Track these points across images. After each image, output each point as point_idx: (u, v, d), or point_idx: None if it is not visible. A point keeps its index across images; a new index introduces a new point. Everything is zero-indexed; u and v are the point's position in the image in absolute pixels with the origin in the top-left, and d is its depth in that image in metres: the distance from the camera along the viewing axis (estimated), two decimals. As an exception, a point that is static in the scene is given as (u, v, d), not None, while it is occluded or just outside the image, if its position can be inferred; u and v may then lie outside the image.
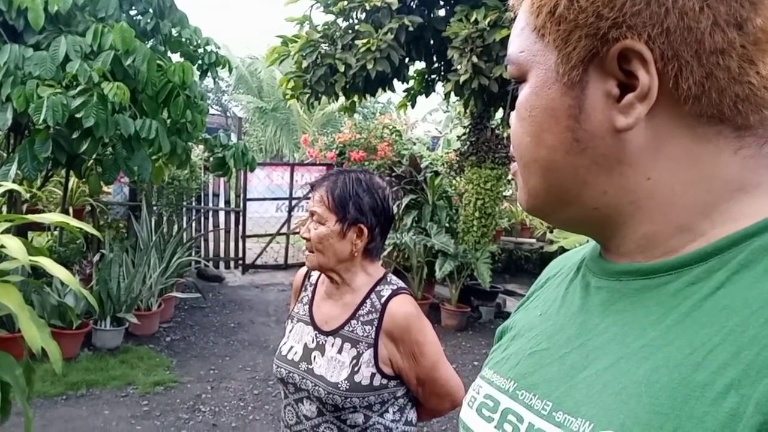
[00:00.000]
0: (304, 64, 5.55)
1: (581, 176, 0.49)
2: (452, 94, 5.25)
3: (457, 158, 5.88)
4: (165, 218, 6.14)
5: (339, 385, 1.30)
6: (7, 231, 2.09)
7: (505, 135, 5.43)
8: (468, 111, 5.75)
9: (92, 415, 3.50)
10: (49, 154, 3.51)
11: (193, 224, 7.03)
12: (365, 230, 1.37)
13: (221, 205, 7.38)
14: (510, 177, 5.26)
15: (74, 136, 3.53)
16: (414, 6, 5.39)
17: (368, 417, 1.33)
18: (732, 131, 0.45)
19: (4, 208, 4.31)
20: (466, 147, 5.65)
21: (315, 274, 1.52)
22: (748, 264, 0.43)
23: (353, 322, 1.37)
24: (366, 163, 7.01)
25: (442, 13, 5.53)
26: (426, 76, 6.10)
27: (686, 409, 0.39)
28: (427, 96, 6.30)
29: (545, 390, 0.51)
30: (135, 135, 3.60)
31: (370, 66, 5.01)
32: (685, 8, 0.43)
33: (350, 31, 5.42)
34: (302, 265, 1.58)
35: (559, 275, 0.64)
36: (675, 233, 0.47)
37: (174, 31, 4.50)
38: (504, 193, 5.84)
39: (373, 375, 1.32)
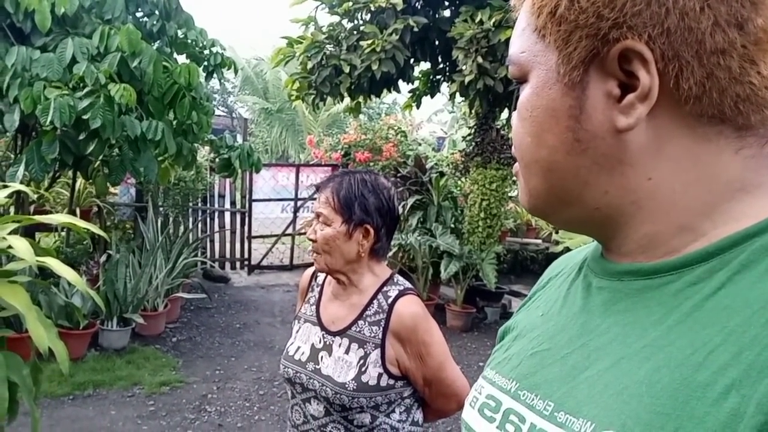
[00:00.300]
0: (310, 65, 5.56)
1: (582, 176, 0.49)
2: (457, 94, 5.24)
3: (463, 159, 5.87)
4: (171, 219, 6.16)
5: (346, 385, 1.31)
6: (14, 232, 2.10)
7: (510, 135, 5.41)
8: (473, 111, 5.75)
9: (99, 415, 3.52)
10: (56, 155, 3.53)
11: (199, 225, 7.05)
12: (371, 231, 1.38)
13: (227, 206, 7.40)
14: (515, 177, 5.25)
15: (81, 137, 3.55)
16: (419, 7, 5.39)
17: (375, 417, 1.33)
18: (733, 131, 0.45)
19: (12, 209, 4.33)
20: (471, 147, 5.65)
21: (321, 274, 1.53)
22: (749, 264, 0.43)
23: (360, 322, 1.37)
24: (371, 163, 7.01)
25: (447, 13, 5.53)
26: (431, 77, 6.10)
27: (687, 410, 0.39)
28: (432, 97, 6.30)
29: (547, 390, 0.51)
30: (141, 136, 3.62)
31: (375, 67, 5.01)
32: (686, 8, 0.42)
33: (355, 32, 5.42)
34: (308, 265, 1.58)
35: (561, 275, 0.64)
36: (676, 233, 0.47)
37: (180, 33, 4.52)
38: (509, 194, 5.84)
39: (380, 375, 1.32)
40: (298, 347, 1.45)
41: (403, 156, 7.22)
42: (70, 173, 4.74)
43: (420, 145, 8.46)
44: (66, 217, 2.37)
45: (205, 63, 4.67)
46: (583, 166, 0.49)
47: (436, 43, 5.52)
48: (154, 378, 4.04)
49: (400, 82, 5.86)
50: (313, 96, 5.78)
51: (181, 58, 4.61)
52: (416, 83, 6.15)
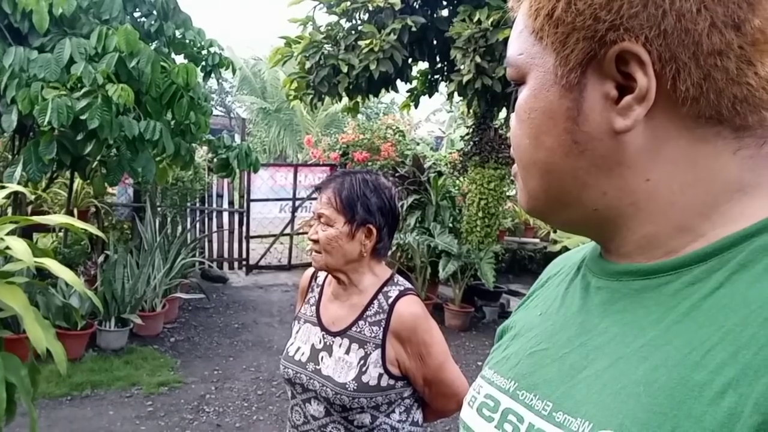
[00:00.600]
0: (308, 65, 5.56)
1: (581, 178, 0.49)
2: (455, 94, 5.24)
3: (461, 158, 5.87)
4: (169, 219, 6.15)
5: (347, 386, 1.31)
6: (12, 232, 2.10)
7: (508, 135, 5.41)
8: (471, 111, 5.75)
9: (97, 416, 3.51)
10: (53, 155, 3.52)
11: (197, 225, 7.04)
12: (374, 230, 1.38)
13: (225, 206, 7.39)
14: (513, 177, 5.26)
15: (79, 137, 3.54)
16: (417, 6, 5.39)
17: (375, 417, 1.33)
18: (731, 132, 0.45)
19: (10, 210, 4.32)
20: (469, 147, 5.65)
21: (321, 275, 1.53)
22: (747, 264, 0.43)
23: (361, 322, 1.38)
24: (369, 163, 7.01)
25: (445, 13, 5.53)
26: (429, 77, 6.10)
27: (684, 409, 0.39)
28: (430, 96, 6.30)
29: (545, 390, 0.51)
30: (139, 136, 3.61)
31: (373, 66, 5.01)
32: (683, 10, 0.43)
33: (353, 32, 5.42)
34: (306, 265, 1.58)
35: (560, 275, 0.64)
36: (675, 234, 0.47)
37: (178, 33, 4.51)
38: (507, 193, 5.83)
39: (380, 375, 1.32)
40: (298, 348, 1.45)
41: (402, 156, 7.22)
42: (68, 174, 4.73)
43: (418, 144, 8.46)
44: (64, 217, 2.37)
45: (203, 63, 4.67)
46: (581, 168, 0.49)
47: (434, 42, 5.52)
48: (152, 378, 4.04)
49: (398, 82, 5.86)
50: (311, 96, 5.78)
51: (179, 58, 4.61)
52: (414, 83, 6.14)
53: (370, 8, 5.17)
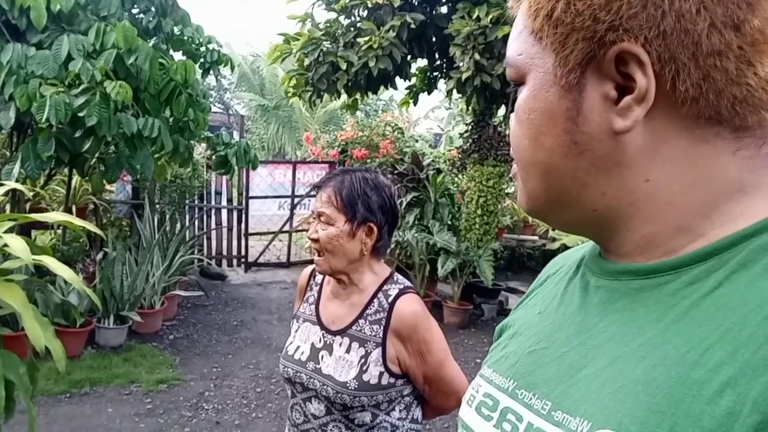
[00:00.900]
0: (306, 61, 5.55)
1: (580, 178, 0.49)
2: (454, 91, 5.24)
3: (460, 155, 5.87)
4: (168, 216, 6.15)
5: (348, 385, 1.31)
6: (10, 230, 2.10)
7: (507, 132, 5.42)
8: (470, 108, 5.75)
9: (96, 413, 3.51)
10: (52, 152, 3.52)
11: (196, 222, 7.04)
12: (375, 229, 1.37)
13: (224, 203, 7.39)
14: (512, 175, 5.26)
15: (77, 134, 3.53)
16: (416, 3, 5.38)
17: (376, 415, 1.34)
18: (730, 132, 0.45)
19: (8, 207, 4.32)
20: (468, 144, 5.65)
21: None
22: (746, 263, 0.43)
23: (361, 321, 1.37)
24: (368, 160, 7.00)
25: (444, 10, 5.52)
26: (428, 74, 6.10)
27: (683, 408, 0.39)
28: (429, 93, 6.29)
29: (544, 389, 0.51)
30: (137, 133, 3.61)
31: (372, 63, 5.01)
32: (682, 10, 0.43)
33: (352, 29, 5.41)
34: (305, 263, 1.59)
35: (559, 273, 0.64)
36: (674, 234, 0.47)
37: (176, 30, 4.50)
38: (506, 191, 5.84)
39: (381, 374, 1.32)
40: (298, 347, 1.44)
41: (400, 153, 7.22)
42: (66, 171, 4.73)
43: (417, 141, 8.47)
44: (62, 215, 2.36)
45: (202, 60, 4.67)
46: (581, 168, 0.49)
47: (433, 39, 5.51)
48: (151, 376, 4.04)
49: (397, 79, 5.86)
50: (309, 93, 5.77)
51: (178, 55, 4.60)
52: (413, 80, 6.14)
53: (369, 5, 5.16)
